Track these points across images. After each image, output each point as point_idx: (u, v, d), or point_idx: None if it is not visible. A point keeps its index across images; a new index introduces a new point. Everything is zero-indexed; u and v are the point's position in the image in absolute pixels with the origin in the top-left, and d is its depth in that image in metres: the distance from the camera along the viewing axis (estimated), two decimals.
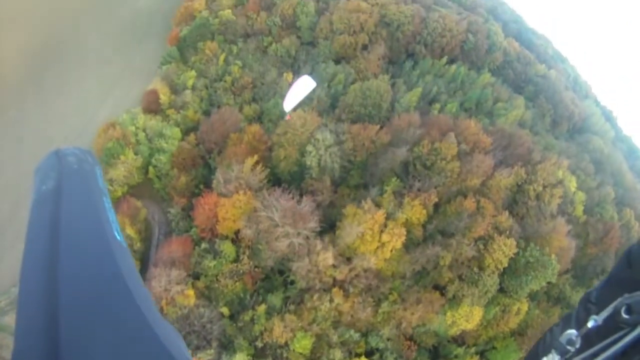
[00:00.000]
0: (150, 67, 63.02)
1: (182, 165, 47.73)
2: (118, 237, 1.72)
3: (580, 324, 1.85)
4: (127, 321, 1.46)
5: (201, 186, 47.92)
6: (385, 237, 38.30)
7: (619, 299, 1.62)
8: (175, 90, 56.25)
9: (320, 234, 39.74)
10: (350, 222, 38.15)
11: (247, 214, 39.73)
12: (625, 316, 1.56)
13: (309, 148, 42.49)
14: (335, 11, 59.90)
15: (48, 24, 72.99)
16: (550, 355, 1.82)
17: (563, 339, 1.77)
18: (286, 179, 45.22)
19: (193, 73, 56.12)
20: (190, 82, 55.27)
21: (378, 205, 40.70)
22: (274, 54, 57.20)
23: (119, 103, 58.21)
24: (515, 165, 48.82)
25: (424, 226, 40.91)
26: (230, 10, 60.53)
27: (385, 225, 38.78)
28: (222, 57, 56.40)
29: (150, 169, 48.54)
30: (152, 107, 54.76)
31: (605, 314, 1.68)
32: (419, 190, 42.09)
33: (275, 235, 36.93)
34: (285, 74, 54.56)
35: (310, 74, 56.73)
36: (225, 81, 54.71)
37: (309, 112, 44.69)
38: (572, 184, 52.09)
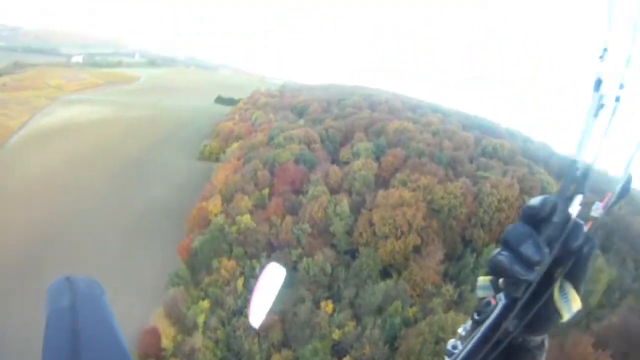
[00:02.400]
0: (158, 279, 51.96)
1: None
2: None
3: None
4: None
5: None
6: None
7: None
8: (182, 324, 44.23)
9: None
10: None
11: None
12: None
13: None
14: (374, 208, 49.70)
15: (55, 204, 64.70)
16: None
17: (449, 346, 1.72)
18: None
19: (205, 305, 44.42)
20: (201, 319, 43.33)
21: None
22: (305, 273, 45.69)
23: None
24: None
25: None
26: (249, 215, 50.72)
27: None
28: (240, 282, 45.01)
29: None
30: (151, 350, 42.26)
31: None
32: None
33: None
34: (322, 304, 42.60)
35: (354, 298, 45.05)
36: (245, 316, 42.61)
37: None
38: None
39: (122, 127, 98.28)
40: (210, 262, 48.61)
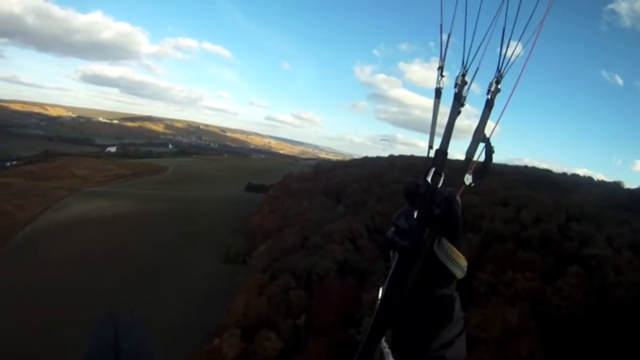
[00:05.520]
0: None
1: None
2: None
3: None
4: None
5: None
6: None
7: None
8: None
9: None
10: None
11: None
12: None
13: None
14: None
15: (49, 315, 50.49)
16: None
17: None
18: None
19: None
20: None
21: None
22: None
23: None
24: None
25: None
26: None
27: None
28: None
29: None
30: None
31: None
32: None
33: None
34: None
35: None
36: None
37: None
38: None
39: (141, 223, 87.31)
40: None
